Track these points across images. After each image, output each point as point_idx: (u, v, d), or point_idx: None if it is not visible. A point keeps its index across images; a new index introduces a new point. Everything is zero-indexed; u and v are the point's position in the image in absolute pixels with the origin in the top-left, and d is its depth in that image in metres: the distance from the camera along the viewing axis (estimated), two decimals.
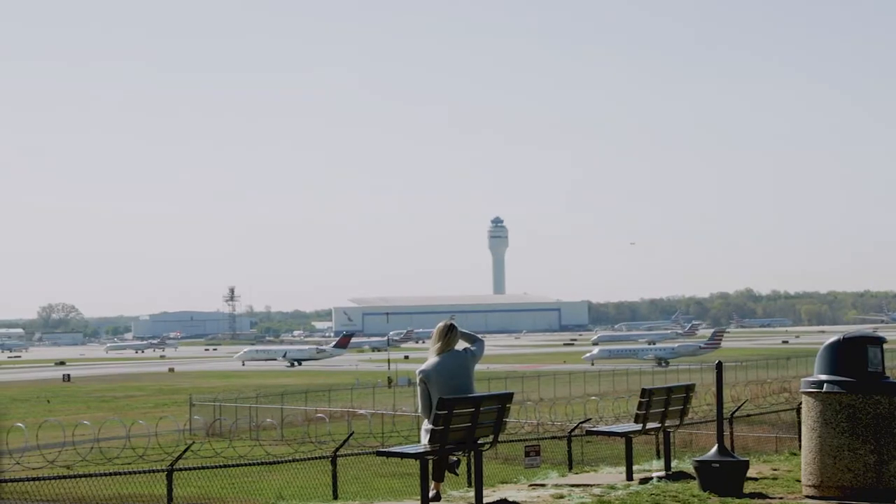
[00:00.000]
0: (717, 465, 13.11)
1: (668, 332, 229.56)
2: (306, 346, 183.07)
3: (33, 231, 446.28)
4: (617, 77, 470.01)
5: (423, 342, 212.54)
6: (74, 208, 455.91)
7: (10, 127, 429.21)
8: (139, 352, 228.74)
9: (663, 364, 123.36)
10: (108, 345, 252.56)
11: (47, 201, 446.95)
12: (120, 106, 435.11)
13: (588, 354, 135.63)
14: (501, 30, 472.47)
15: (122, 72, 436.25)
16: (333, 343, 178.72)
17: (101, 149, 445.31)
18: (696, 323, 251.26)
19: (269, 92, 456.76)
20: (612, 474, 15.79)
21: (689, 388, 16.30)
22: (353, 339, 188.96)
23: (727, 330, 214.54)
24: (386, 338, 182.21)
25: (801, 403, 13.09)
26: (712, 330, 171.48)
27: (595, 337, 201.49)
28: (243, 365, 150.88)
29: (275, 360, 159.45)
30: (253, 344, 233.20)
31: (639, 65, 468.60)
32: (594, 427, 19.25)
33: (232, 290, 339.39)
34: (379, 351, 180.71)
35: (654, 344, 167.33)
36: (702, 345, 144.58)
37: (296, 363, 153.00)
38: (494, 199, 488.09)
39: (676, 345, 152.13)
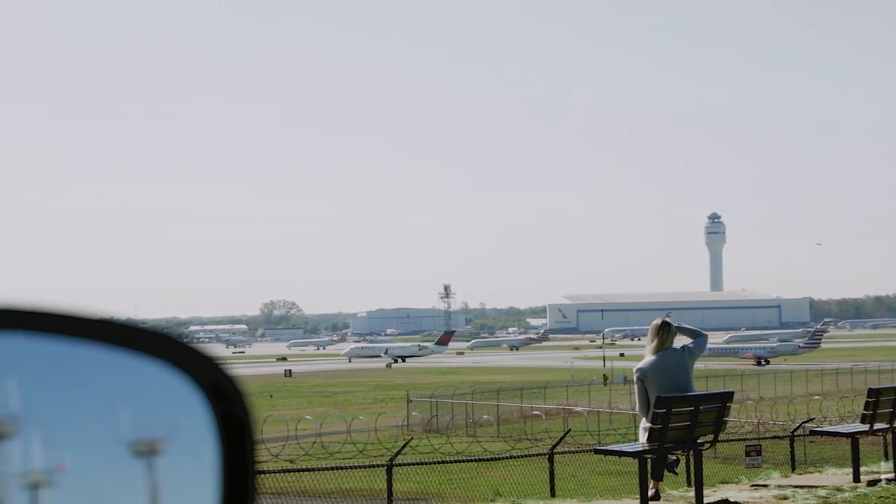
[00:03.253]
0: None
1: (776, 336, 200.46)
2: (408, 344, 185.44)
3: (256, 229, 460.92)
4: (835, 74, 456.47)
5: (640, 339, 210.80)
6: (294, 206, 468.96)
7: (247, 127, 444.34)
8: (320, 348, 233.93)
9: (763, 363, 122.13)
10: (291, 341, 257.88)
11: (270, 201, 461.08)
12: (362, 105, 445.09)
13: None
14: (727, 34, 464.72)
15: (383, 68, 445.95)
16: (436, 340, 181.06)
17: (328, 147, 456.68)
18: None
19: (489, 93, 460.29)
20: (837, 476, 15.36)
21: None
22: (567, 336, 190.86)
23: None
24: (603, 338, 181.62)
25: None
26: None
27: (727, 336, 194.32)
28: (350, 361, 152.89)
29: (378, 356, 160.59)
30: (467, 340, 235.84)
31: (831, 64, 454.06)
32: (818, 427, 18.82)
33: (447, 288, 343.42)
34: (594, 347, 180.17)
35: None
36: (801, 345, 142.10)
37: (398, 360, 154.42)
38: (711, 195, 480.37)
39: (776, 344, 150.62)
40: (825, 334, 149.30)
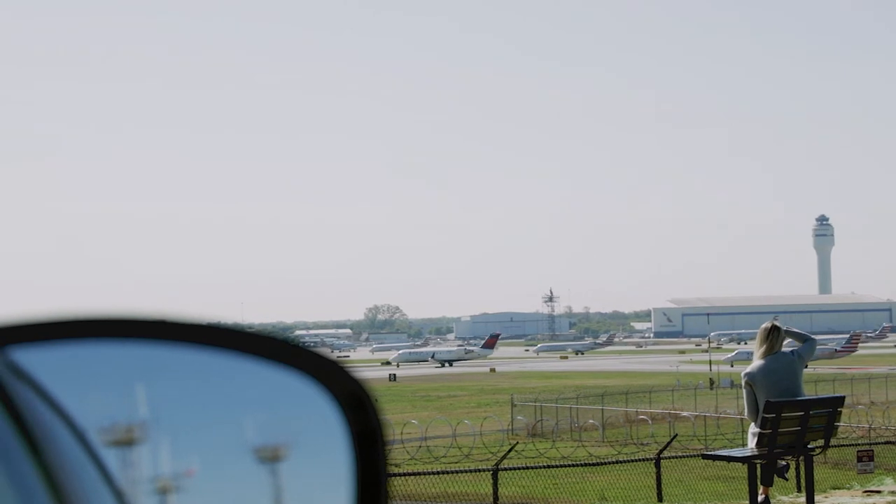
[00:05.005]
0: None
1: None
2: (454, 347, 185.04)
3: (362, 234, 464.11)
4: None
5: (747, 343, 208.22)
6: (399, 211, 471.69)
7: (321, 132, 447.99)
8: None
9: None
10: (374, 346, 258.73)
11: (374, 206, 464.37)
12: (460, 102, 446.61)
13: (729, 356, 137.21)
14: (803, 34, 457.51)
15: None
16: (482, 344, 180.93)
17: (436, 152, 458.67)
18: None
19: (586, 93, 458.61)
20: None
21: None
22: (672, 340, 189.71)
23: None
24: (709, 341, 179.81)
25: None
26: None
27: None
28: (398, 367, 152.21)
29: (426, 361, 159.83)
30: (573, 343, 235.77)
31: None
32: None
33: (551, 292, 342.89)
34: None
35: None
36: (837, 348, 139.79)
37: (445, 364, 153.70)
38: (819, 196, 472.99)
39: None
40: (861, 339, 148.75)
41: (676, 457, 29.19)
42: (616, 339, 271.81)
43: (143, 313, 1.69)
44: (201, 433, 1.72)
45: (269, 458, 1.71)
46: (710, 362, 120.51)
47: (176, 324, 1.69)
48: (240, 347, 1.71)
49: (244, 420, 1.73)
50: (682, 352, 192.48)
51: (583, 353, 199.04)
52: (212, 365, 1.72)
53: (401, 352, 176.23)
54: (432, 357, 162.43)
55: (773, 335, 11.96)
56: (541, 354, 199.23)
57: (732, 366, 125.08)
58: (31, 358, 1.64)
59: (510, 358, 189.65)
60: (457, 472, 25.55)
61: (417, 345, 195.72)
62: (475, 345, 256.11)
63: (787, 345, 12.11)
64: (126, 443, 1.66)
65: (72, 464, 1.64)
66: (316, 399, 1.74)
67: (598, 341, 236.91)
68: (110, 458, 1.66)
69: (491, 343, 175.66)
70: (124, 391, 1.69)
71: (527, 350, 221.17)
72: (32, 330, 1.61)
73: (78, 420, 1.66)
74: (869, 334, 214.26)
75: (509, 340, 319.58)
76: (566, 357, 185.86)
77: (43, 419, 1.62)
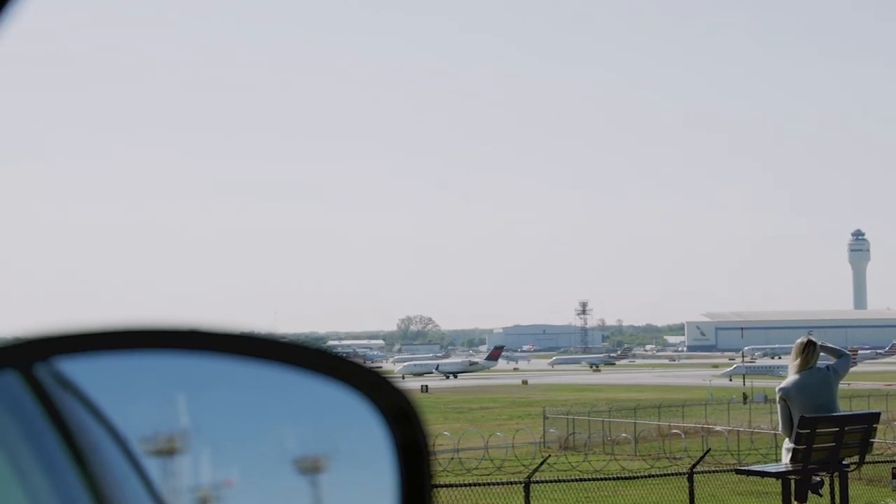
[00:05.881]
0: None
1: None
2: (459, 360, 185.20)
3: (394, 245, 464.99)
4: None
5: (781, 358, 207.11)
6: (433, 223, 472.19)
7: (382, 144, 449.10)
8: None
9: None
10: (396, 357, 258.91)
11: (408, 218, 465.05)
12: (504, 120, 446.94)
13: (727, 370, 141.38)
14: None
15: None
16: (486, 356, 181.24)
17: (468, 165, 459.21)
18: None
19: (632, 106, 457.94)
20: None
21: None
22: (705, 354, 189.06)
23: None
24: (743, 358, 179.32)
25: None
26: None
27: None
28: (403, 379, 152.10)
29: (431, 373, 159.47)
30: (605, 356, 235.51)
31: None
32: None
33: (584, 304, 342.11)
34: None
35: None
36: (879, 351, 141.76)
37: (450, 376, 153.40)
38: (854, 211, 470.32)
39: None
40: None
41: (709, 471, 29.07)
42: (633, 353, 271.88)
43: (186, 324, 1.70)
44: (242, 443, 1.73)
45: (310, 468, 1.72)
46: (744, 377, 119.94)
47: (218, 335, 1.70)
48: (284, 359, 1.73)
49: (285, 430, 1.75)
50: (716, 366, 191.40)
51: (597, 367, 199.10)
52: (253, 376, 1.74)
53: (406, 364, 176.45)
54: (436, 369, 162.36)
55: (809, 350, 11.91)
56: (556, 367, 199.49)
57: (731, 380, 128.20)
58: (76, 368, 1.67)
59: (539, 371, 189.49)
60: (489, 484, 25.53)
61: (438, 356, 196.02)
62: (511, 356, 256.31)
63: (822, 360, 12.06)
64: (167, 452, 1.68)
65: (115, 472, 1.66)
66: (360, 411, 1.75)
67: (611, 354, 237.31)
68: (152, 467, 1.68)
69: (495, 355, 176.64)
70: (166, 401, 1.71)
71: (508, 363, 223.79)
72: (78, 341, 1.63)
73: (121, 429, 1.68)
74: None
75: (542, 353, 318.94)
76: (598, 370, 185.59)
77: (87, 428, 1.64)
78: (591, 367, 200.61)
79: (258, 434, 1.75)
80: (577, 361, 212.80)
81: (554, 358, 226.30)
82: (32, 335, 1.60)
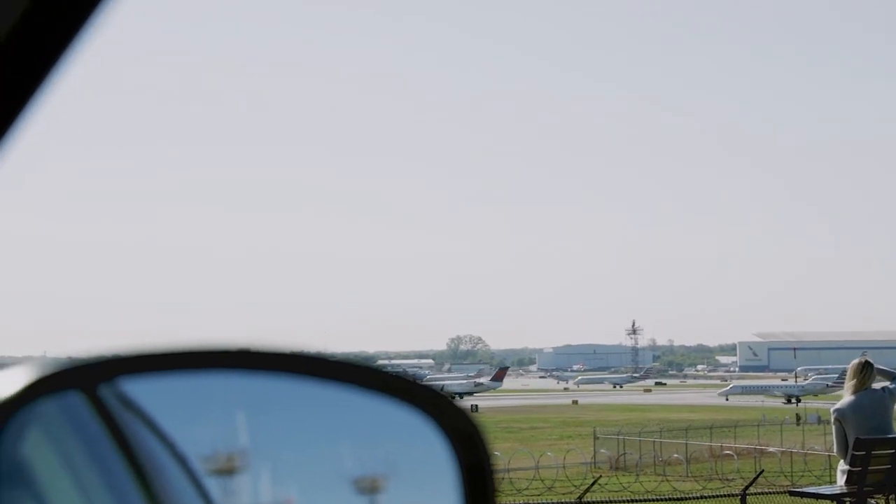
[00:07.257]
0: None
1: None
2: (464, 381, 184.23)
3: (445, 264, 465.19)
4: None
5: (830, 379, 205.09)
6: (482, 242, 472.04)
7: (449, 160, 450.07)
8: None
9: (794, 401, 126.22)
10: (436, 376, 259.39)
11: (458, 237, 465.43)
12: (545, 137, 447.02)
13: (722, 390, 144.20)
14: None
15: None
16: (491, 377, 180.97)
17: (520, 182, 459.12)
18: None
19: (685, 126, 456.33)
20: None
21: None
22: (757, 374, 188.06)
23: None
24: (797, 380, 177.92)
25: None
26: None
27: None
28: None
29: None
30: (654, 377, 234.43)
31: None
32: None
33: (634, 324, 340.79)
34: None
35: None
36: (829, 383, 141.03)
37: (456, 396, 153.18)
38: None
39: (806, 383, 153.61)
40: None
41: (763, 493, 28.83)
42: (656, 372, 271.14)
43: (244, 345, 1.72)
44: (301, 463, 1.75)
45: (369, 489, 1.72)
46: (798, 397, 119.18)
47: (276, 354, 1.72)
48: (343, 378, 1.74)
49: (344, 450, 1.76)
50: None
51: (621, 387, 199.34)
52: (312, 395, 1.75)
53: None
54: (441, 390, 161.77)
55: (865, 371, 11.81)
56: (581, 387, 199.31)
57: (727, 399, 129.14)
58: (138, 388, 1.69)
59: (589, 390, 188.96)
60: None
61: (471, 376, 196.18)
62: (558, 375, 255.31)
63: (878, 381, 11.96)
64: (227, 471, 1.69)
65: (176, 491, 1.68)
66: (421, 431, 1.75)
67: (635, 374, 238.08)
68: (212, 486, 1.69)
69: (500, 376, 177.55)
70: (227, 421, 1.72)
71: (559, 383, 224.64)
72: (141, 362, 1.66)
73: (182, 448, 1.70)
74: None
75: (592, 373, 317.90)
76: (649, 390, 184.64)
77: (150, 448, 1.67)
78: (614, 386, 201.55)
79: (317, 453, 1.76)
80: (600, 381, 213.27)
81: (578, 378, 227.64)
82: (97, 357, 1.63)
